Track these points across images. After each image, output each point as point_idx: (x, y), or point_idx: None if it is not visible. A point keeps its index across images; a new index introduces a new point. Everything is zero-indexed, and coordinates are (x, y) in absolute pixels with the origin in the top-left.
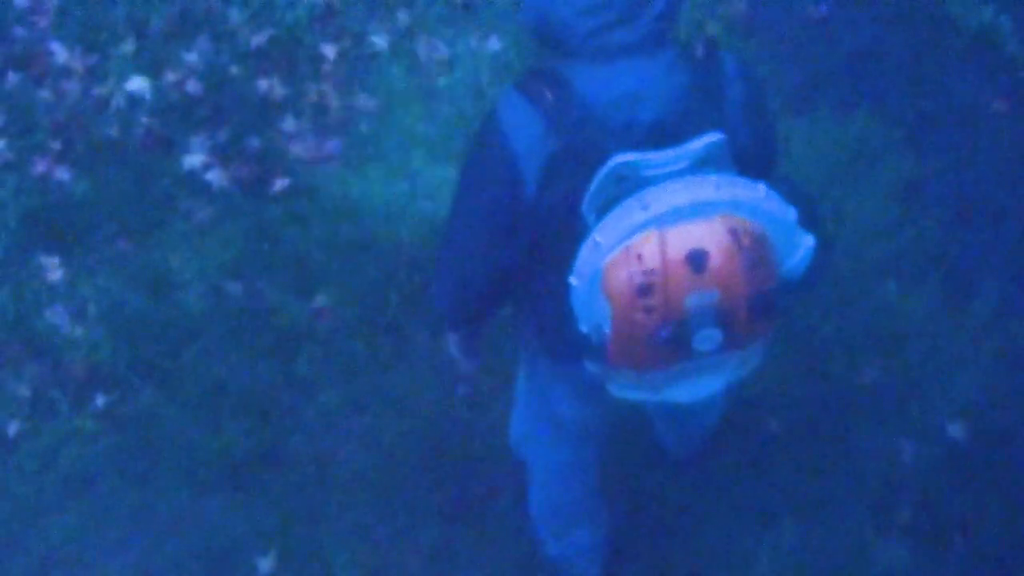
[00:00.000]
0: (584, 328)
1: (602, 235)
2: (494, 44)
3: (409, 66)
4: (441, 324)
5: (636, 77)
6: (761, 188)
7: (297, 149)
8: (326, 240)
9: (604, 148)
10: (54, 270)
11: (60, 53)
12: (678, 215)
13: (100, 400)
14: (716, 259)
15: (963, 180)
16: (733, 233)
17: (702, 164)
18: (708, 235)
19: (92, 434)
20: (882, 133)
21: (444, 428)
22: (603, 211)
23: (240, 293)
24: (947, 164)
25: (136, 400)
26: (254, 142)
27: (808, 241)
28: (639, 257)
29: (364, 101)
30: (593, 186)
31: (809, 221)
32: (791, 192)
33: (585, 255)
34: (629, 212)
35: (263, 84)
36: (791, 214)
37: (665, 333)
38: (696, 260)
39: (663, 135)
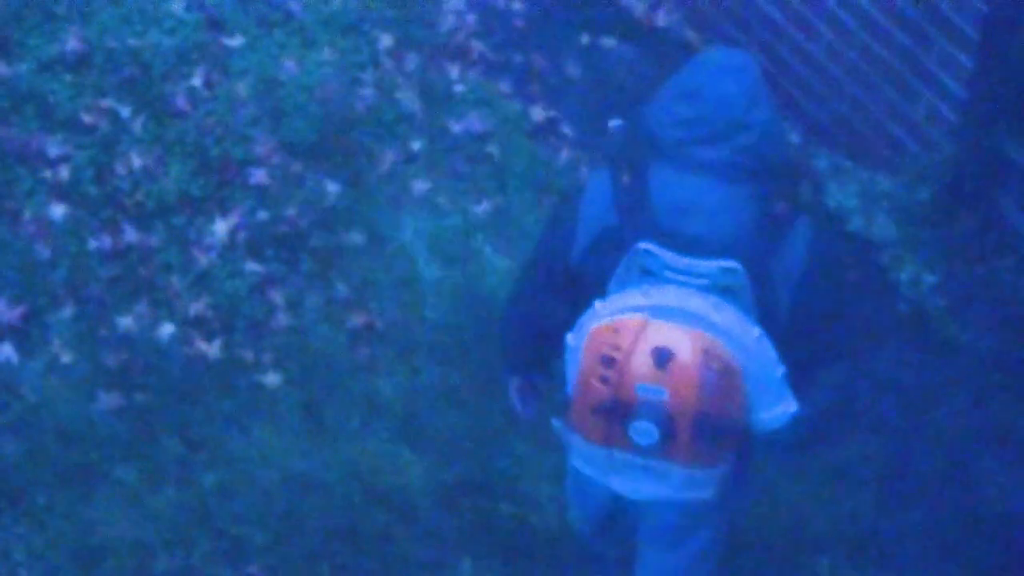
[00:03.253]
0: (568, 390)
1: (602, 306)
2: (426, 318)
3: (347, 339)
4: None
5: (700, 194)
6: (755, 331)
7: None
8: (258, 510)
9: (642, 239)
10: None
11: None
12: (667, 314)
13: None
14: (678, 364)
15: (897, 458)
16: (706, 352)
17: (721, 291)
18: (682, 341)
19: None
20: None
21: None
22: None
23: (170, 562)
24: (884, 442)
25: None
26: (186, 411)
27: (790, 407)
28: (616, 331)
29: (300, 371)
30: (620, 267)
31: (815, 413)
32: (825, 382)
33: (584, 318)
34: (631, 295)
35: (199, 350)
36: (778, 371)
37: (608, 406)
38: (660, 356)
39: (697, 250)
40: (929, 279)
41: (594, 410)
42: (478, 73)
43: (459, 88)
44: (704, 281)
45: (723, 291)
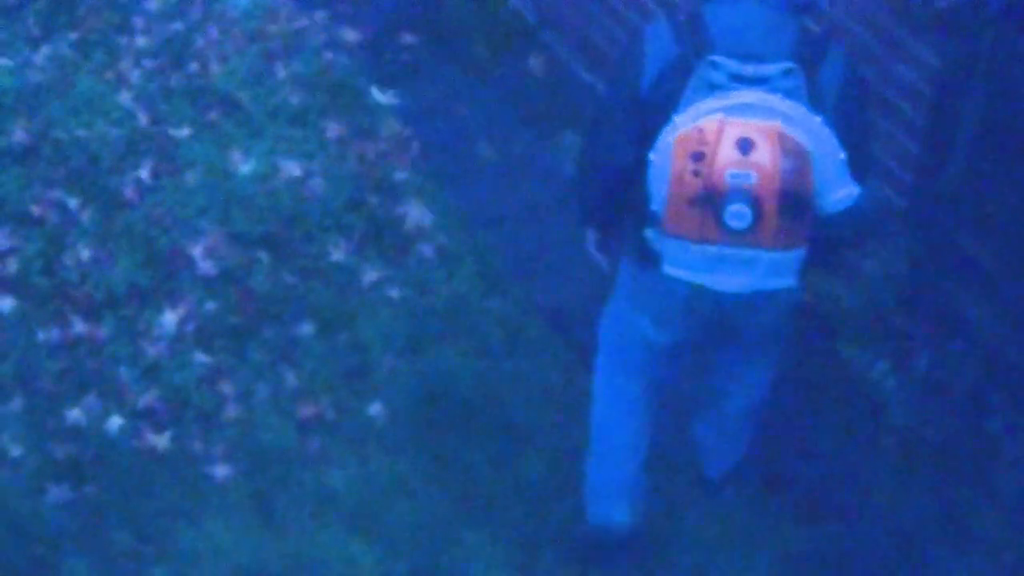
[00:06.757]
0: (654, 207)
1: (680, 117)
2: (376, 409)
3: (297, 430)
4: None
5: (751, 18)
6: (818, 119)
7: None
8: None
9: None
10: None
11: None
12: (742, 110)
13: None
14: (760, 149)
15: (852, 546)
16: (782, 137)
17: (783, 93)
18: (760, 130)
19: None
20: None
21: None
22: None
23: None
24: (839, 530)
25: None
26: (136, 503)
27: (854, 190)
28: (701, 131)
29: (250, 463)
30: (688, 87)
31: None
32: (861, 205)
33: (664, 134)
34: (705, 103)
35: (148, 442)
36: (840, 154)
37: (703, 195)
38: (744, 145)
39: (756, 59)
40: (881, 365)
41: (691, 202)
42: (424, 162)
43: (404, 176)
44: (766, 86)
45: (784, 93)
